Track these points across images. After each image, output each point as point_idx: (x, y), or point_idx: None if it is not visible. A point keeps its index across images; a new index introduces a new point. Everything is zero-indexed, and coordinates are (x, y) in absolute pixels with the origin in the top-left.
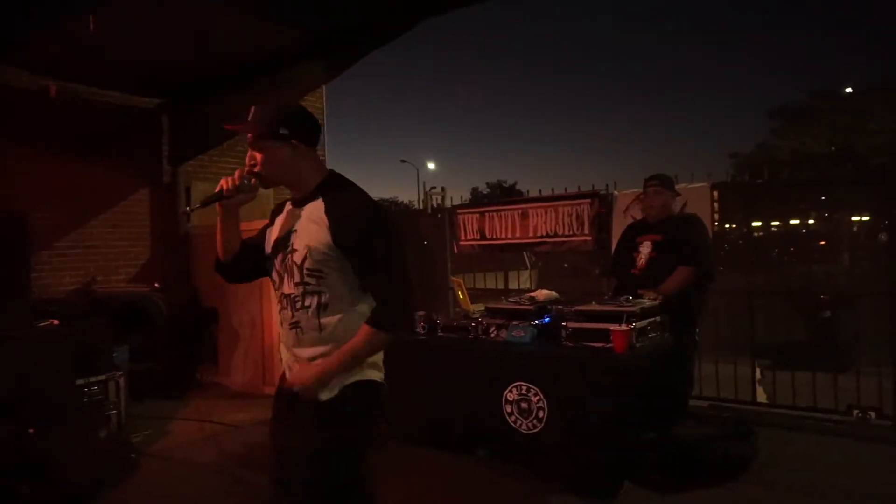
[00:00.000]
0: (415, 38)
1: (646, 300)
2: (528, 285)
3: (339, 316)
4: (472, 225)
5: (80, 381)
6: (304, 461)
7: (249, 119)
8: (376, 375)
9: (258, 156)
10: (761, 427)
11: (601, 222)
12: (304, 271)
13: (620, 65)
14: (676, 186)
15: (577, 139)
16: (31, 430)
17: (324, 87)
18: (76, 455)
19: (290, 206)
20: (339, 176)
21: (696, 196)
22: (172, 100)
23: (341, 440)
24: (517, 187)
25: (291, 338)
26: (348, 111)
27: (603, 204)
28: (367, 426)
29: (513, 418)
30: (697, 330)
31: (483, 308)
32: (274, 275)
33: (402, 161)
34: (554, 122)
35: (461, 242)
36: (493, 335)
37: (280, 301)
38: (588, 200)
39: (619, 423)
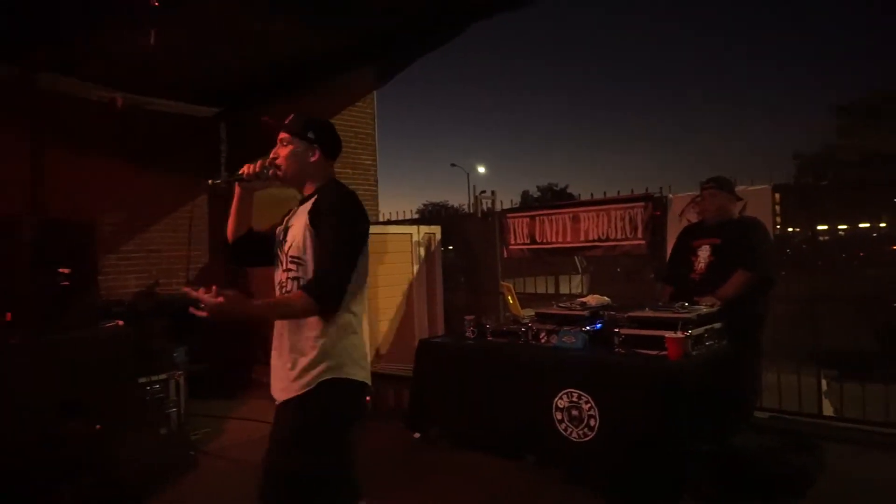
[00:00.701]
0: (465, 41)
1: (703, 307)
2: (579, 290)
3: None
4: (522, 229)
5: (142, 380)
6: (281, 449)
7: (287, 121)
8: (359, 374)
9: (282, 150)
10: (828, 442)
11: (655, 226)
12: (289, 259)
13: (676, 64)
14: (737, 189)
15: (630, 141)
16: (97, 427)
17: (374, 92)
18: (139, 451)
19: (294, 208)
20: (338, 182)
21: (756, 199)
22: (229, 108)
23: (313, 431)
24: (568, 190)
25: (280, 325)
26: (399, 116)
27: (657, 207)
28: (341, 419)
29: (563, 425)
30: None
31: (533, 313)
32: (278, 264)
33: (453, 165)
34: (606, 125)
35: (511, 246)
36: (543, 340)
37: (278, 289)
38: (642, 204)
39: (675, 433)
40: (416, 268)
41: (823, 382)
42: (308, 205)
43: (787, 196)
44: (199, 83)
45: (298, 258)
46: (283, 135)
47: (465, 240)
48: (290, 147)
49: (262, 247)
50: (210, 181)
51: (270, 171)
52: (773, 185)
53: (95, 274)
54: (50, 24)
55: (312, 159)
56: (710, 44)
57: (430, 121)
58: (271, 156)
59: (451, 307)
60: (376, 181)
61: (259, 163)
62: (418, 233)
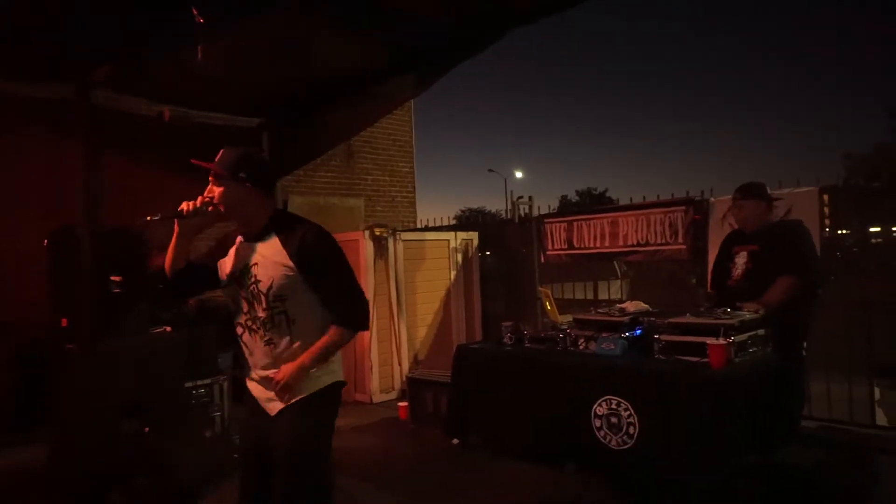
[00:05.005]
0: (503, 47)
1: (746, 313)
2: (618, 296)
3: (305, 327)
4: (560, 234)
5: (188, 385)
6: (286, 448)
7: (217, 160)
8: (341, 375)
9: (217, 190)
10: (881, 454)
11: (696, 230)
12: (271, 297)
13: (721, 63)
14: (781, 191)
15: (671, 144)
16: (146, 429)
17: (412, 101)
18: (185, 453)
19: (241, 240)
20: (286, 213)
21: (802, 201)
22: (271, 119)
23: (317, 428)
24: (607, 194)
25: (266, 353)
26: (436, 122)
27: (698, 211)
28: (334, 415)
29: (602, 433)
30: (805, 344)
31: (571, 319)
32: (241, 302)
33: (490, 170)
34: (646, 127)
35: (549, 252)
36: (581, 347)
37: (249, 323)
38: (682, 208)
39: (717, 443)
40: (453, 274)
41: (877, 391)
42: (274, 245)
43: (836, 198)
44: (241, 95)
45: (283, 296)
46: (214, 174)
47: (503, 246)
48: (223, 187)
49: (200, 276)
50: (148, 217)
51: (209, 209)
52: (820, 187)
53: (146, 281)
54: (104, 44)
55: (247, 197)
56: (755, 44)
57: (467, 126)
58: (207, 194)
59: (488, 313)
60: (414, 188)
61: (199, 199)
62: (456, 239)
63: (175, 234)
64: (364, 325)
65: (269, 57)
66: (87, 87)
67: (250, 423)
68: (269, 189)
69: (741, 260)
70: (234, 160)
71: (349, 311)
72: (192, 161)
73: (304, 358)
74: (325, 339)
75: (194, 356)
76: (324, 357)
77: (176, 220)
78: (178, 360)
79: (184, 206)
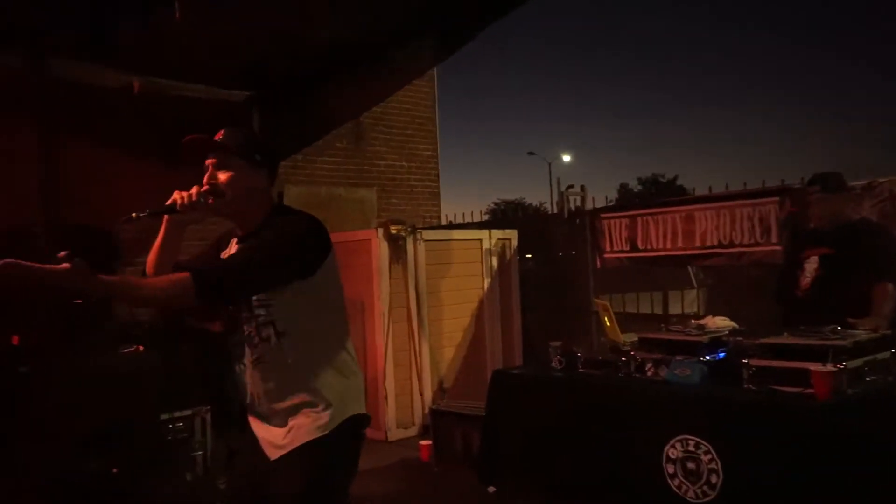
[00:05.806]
0: (543, 8)
1: (861, 332)
2: (693, 309)
3: (301, 341)
4: (620, 232)
5: (164, 416)
6: (295, 495)
7: (220, 138)
8: (361, 406)
9: (222, 175)
10: None
11: (795, 226)
12: (253, 303)
13: (813, 32)
14: (886, 179)
15: (757, 123)
16: (114, 470)
17: (434, 70)
18: (161, 499)
19: (236, 243)
20: (287, 209)
21: None
22: (264, 92)
23: (326, 481)
24: (678, 183)
25: (257, 376)
26: (464, 97)
27: (796, 203)
28: (350, 459)
29: (676, 482)
30: None
31: (636, 338)
32: (233, 316)
33: (531, 153)
34: (727, 102)
35: (606, 254)
36: (649, 373)
37: (237, 344)
38: (776, 199)
39: (824, 495)
40: (487, 282)
41: None
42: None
43: None
44: (227, 64)
45: (266, 300)
46: (218, 156)
47: (549, 246)
48: (232, 171)
49: None
50: (133, 214)
51: (209, 200)
52: None
53: None
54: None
55: (260, 185)
56: (854, 12)
57: (501, 102)
58: (206, 181)
59: (531, 330)
60: (437, 175)
61: (194, 189)
62: (490, 238)
63: (162, 232)
64: (209, 289)
65: (261, 19)
66: (41, 55)
67: (248, 455)
68: (273, 180)
69: (811, 266)
70: (245, 139)
71: (212, 270)
72: (190, 137)
73: (127, 279)
74: (163, 277)
75: (172, 382)
76: (139, 293)
77: (165, 216)
78: (153, 386)
79: (176, 197)
